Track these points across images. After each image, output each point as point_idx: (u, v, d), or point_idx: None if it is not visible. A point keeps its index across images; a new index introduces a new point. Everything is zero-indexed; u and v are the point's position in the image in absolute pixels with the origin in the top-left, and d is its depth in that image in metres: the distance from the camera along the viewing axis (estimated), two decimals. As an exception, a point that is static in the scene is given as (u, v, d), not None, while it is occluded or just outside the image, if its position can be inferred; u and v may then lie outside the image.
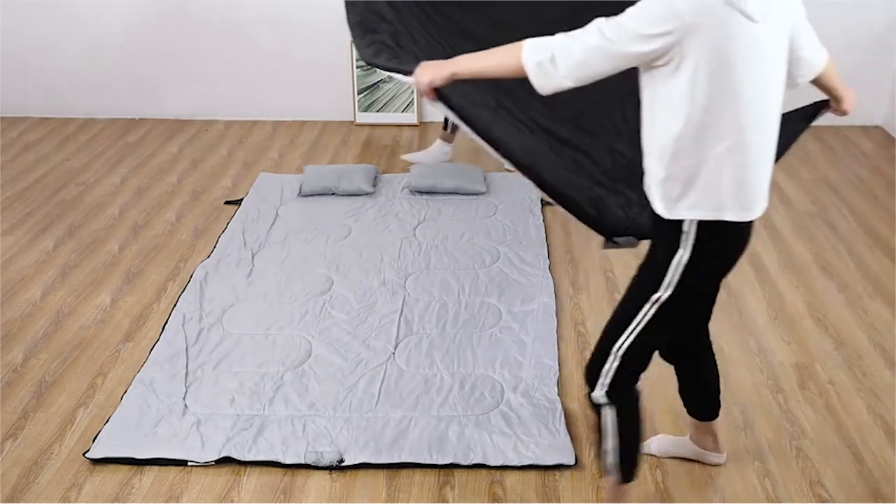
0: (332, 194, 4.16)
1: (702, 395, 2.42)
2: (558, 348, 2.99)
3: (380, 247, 3.67)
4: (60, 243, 3.81)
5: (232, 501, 2.39)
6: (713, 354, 2.38)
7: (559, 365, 2.90)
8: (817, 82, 2.14)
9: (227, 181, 4.46)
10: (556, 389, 2.77)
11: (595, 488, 2.42)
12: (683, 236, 1.89)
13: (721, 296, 3.31)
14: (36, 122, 5.33)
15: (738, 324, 3.18)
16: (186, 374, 2.86)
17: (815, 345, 3.06)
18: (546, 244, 3.69)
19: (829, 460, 2.52)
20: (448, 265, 3.51)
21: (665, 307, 1.96)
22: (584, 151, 2.50)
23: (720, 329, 3.14)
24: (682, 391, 2.43)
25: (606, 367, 2.04)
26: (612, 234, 2.16)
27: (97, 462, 2.51)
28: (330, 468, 2.47)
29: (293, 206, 4.07)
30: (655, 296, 1.95)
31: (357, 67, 5.06)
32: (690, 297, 2.00)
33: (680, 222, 1.88)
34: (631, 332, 2.01)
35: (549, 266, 3.51)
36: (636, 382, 2.11)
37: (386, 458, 2.50)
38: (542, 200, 4.10)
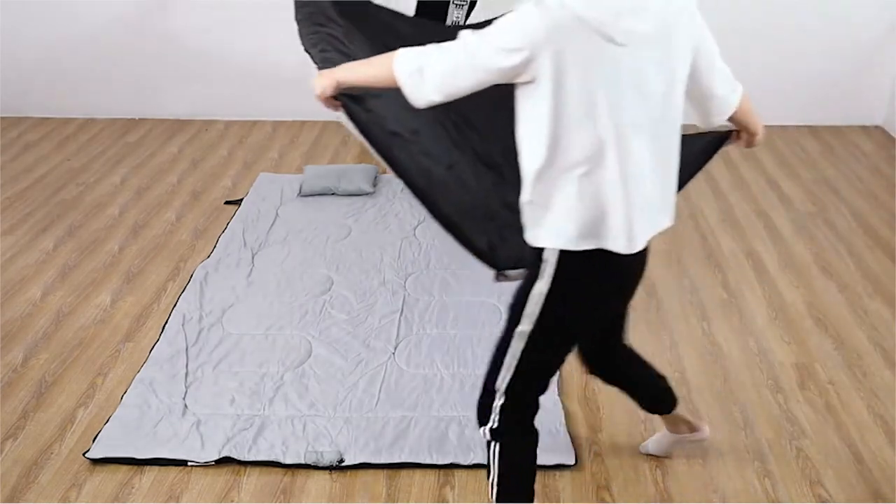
0: (332, 194, 4.16)
1: (646, 395, 2.40)
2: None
3: (380, 247, 3.67)
4: (60, 243, 3.81)
5: (232, 501, 2.39)
6: (638, 358, 2.32)
7: (559, 365, 2.90)
8: (732, 119, 2.03)
9: (227, 181, 4.46)
10: (556, 389, 2.77)
11: (595, 488, 2.42)
12: (543, 265, 1.79)
13: (721, 296, 3.35)
14: (36, 122, 5.33)
15: (738, 324, 3.18)
16: (186, 374, 2.86)
17: (815, 345, 3.06)
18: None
19: (829, 460, 2.52)
20: (448, 265, 3.51)
21: (532, 341, 1.86)
22: (506, 180, 2.47)
23: (720, 329, 3.14)
24: (630, 395, 2.40)
25: (494, 403, 1.95)
26: (503, 268, 2.10)
27: (97, 462, 2.51)
28: (330, 468, 2.47)
29: (293, 206, 4.07)
30: (519, 329, 1.86)
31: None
32: (559, 331, 1.89)
33: (541, 251, 1.79)
34: (508, 368, 1.91)
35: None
36: (530, 419, 2.01)
37: (386, 458, 2.50)
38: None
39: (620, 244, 1.76)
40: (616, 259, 1.78)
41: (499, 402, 1.95)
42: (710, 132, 2.23)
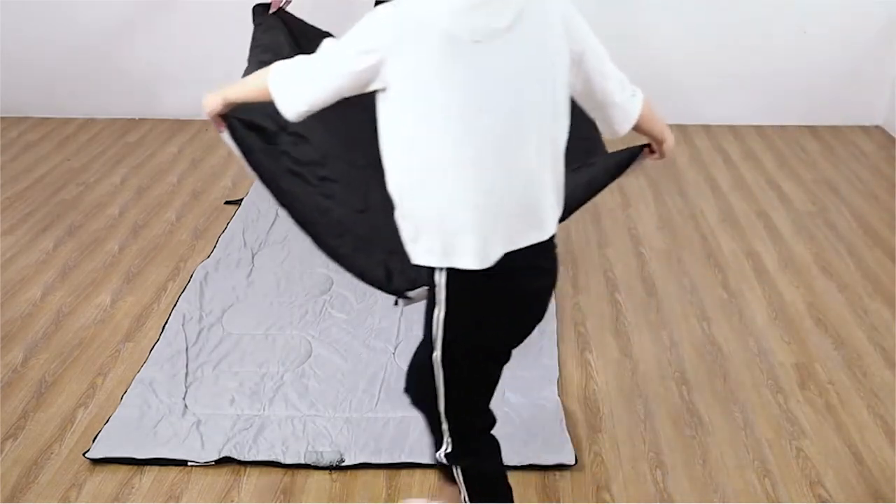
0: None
1: None
2: (558, 348, 2.99)
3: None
4: (60, 243, 3.81)
5: (232, 501, 2.39)
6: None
7: (559, 365, 2.90)
8: (638, 128, 1.93)
9: (227, 181, 4.46)
10: (557, 389, 2.77)
11: (595, 488, 2.42)
12: (437, 289, 1.70)
13: (721, 296, 3.35)
14: (36, 122, 5.33)
15: (738, 324, 3.18)
16: (186, 374, 2.86)
17: (815, 345, 3.06)
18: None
19: (829, 460, 2.52)
20: None
21: (450, 365, 1.79)
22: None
23: (720, 329, 3.14)
24: None
25: (444, 427, 1.90)
26: (402, 291, 2.08)
27: (97, 462, 2.51)
28: (330, 468, 2.47)
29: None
30: (434, 355, 1.79)
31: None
32: (472, 352, 1.81)
33: (432, 273, 1.70)
34: (441, 392, 1.84)
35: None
36: (485, 432, 1.96)
37: (386, 458, 2.50)
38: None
39: (472, 260, 1.65)
40: (506, 274, 1.70)
41: (445, 425, 1.90)
42: (622, 150, 2.22)
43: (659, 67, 5.14)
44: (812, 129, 5.17)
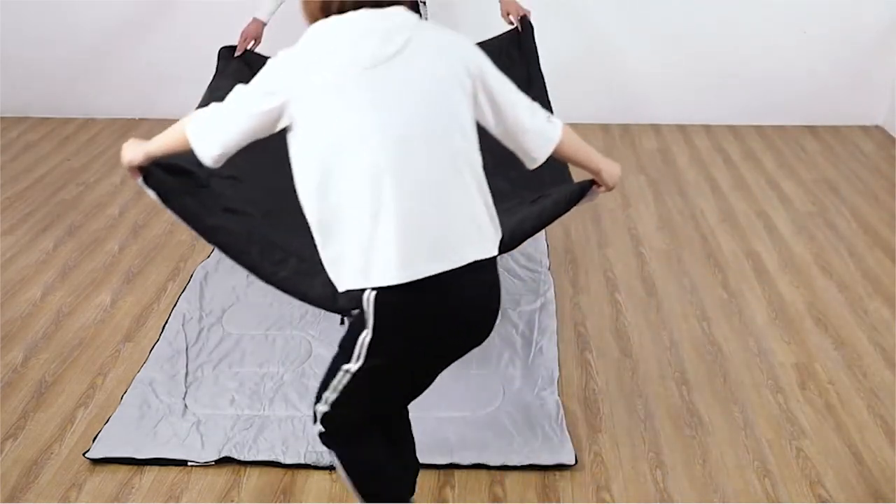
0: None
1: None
2: (558, 348, 2.99)
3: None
4: (60, 243, 3.81)
5: (232, 501, 2.39)
6: (411, 444, 2.18)
7: (559, 365, 2.90)
8: (565, 158, 1.95)
9: (227, 181, 4.46)
10: (557, 389, 2.77)
11: (595, 488, 2.42)
12: (365, 312, 1.71)
13: (721, 296, 3.35)
14: (36, 122, 5.33)
15: (738, 324, 3.18)
16: (186, 374, 2.86)
17: (815, 345, 3.06)
18: (546, 244, 3.69)
19: (829, 460, 2.52)
20: None
21: (355, 381, 1.80)
22: None
23: (720, 329, 3.14)
24: None
25: (319, 407, 1.89)
26: (346, 310, 2.08)
27: (97, 462, 2.51)
28: (330, 468, 2.47)
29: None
30: (345, 366, 1.80)
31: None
32: (383, 380, 1.82)
33: (360, 295, 1.70)
34: (334, 390, 1.84)
35: (549, 266, 3.51)
36: (363, 429, 1.95)
37: (386, 458, 2.49)
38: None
39: (394, 275, 1.66)
40: (434, 295, 1.70)
41: (322, 408, 1.89)
42: (574, 184, 2.21)
43: (659, 68, 5.15)
44: (812, 129, 5.17)
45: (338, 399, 1.86)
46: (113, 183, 4.44)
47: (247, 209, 2.57)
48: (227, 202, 2.51)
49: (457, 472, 2.47)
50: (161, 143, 1.97)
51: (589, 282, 3.47)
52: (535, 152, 1.87)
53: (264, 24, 3.64)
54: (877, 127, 5.21)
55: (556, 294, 3.33)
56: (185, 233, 3.90)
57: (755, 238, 3.83)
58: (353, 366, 1.79)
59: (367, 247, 1.66)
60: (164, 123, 5.47)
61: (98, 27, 5.18)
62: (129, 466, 2.50)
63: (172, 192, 2.22)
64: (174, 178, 2.23)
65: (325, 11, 1.67)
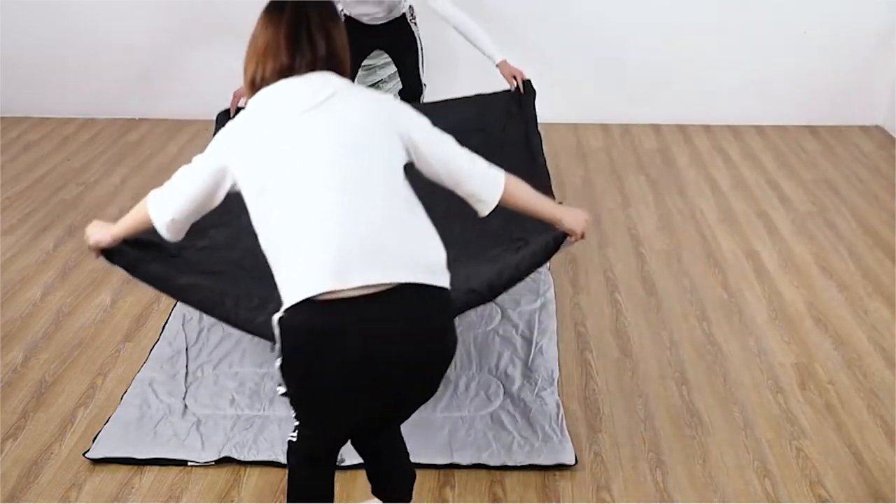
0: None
1: (387, 487, 2.19)
2: (558, 348, 2.99)
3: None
4: (60, 243, 3.81)
5: (232, 501, 2.39)
6: (400, 455, 2.15)
7: (559, 365, 2.90)
8: (516, 208, 1.99)
9: (227, 181, 4.46)
10: (556, 389, 2.77)
11: (595, 488, 2.42)
12: (277, 338, 1.73)
13: (721, 296, 3.35)
14: (36, 122, 5.33)
15: (738, 324, 3.18)
16: (186, 374, 2.86)
17: (815, 345, 3.06)
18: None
19: (829, 460, 2.52)
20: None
21: (294, 405, 1.82)
22: None
23: (720, 329, 3.14)
24: (370, 476, 2.22)
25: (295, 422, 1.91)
26: None
27: (97, 462, 2.51)
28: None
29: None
30: (279, 389, 1.81)
31: (358, 67, 5.05)
32: (307, 408, 1.82)
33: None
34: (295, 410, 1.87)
35: (549, 266, 3.51)
36: (322, 453, 1.96)
37: (386, 458, 2.49)
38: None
39: (318, 285, 1.68)
40: (347, 323, 1.68)
41: (295, 422, 1.91)
42: (547, 236, 2.25)
43: (659, 68, 5.14)
44: (812, 129, 5.17)
45: (297, 416, 1.88)
46: (113, 183, 4.44)
47: (221, 268, 2.64)
48: (200, 267, 2.58)
49: (457, 472, 2.47)
50: (126, 225, 2.09)
51: (589, 282, 3.47)
52: (483, 195, 1.92)
53: None
54: (877, 127, 5.21)
55: (556, 294, 3.33)
56: (185, 233, 3.90)
57: (755, 238, 3.83)
58: (283, 389, 1.80)
59: (300, 264, 1.70)
60: (164, 123, 5.48)
61: (98, 27, 5.18)
62: (129, 466, 2.50)
63: (138, 261, 2.29)
64: (140, 250, 2.31)
65: (253, 87, 1.85)
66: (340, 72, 1.84)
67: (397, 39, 4.09)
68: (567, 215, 2.10)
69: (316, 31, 1.80)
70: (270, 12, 1.86)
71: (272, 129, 1.76)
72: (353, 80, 2.39)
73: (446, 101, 3.68)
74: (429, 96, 4.34)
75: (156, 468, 2.49)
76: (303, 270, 1.69)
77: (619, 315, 3.24)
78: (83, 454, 2.53)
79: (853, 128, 5.18)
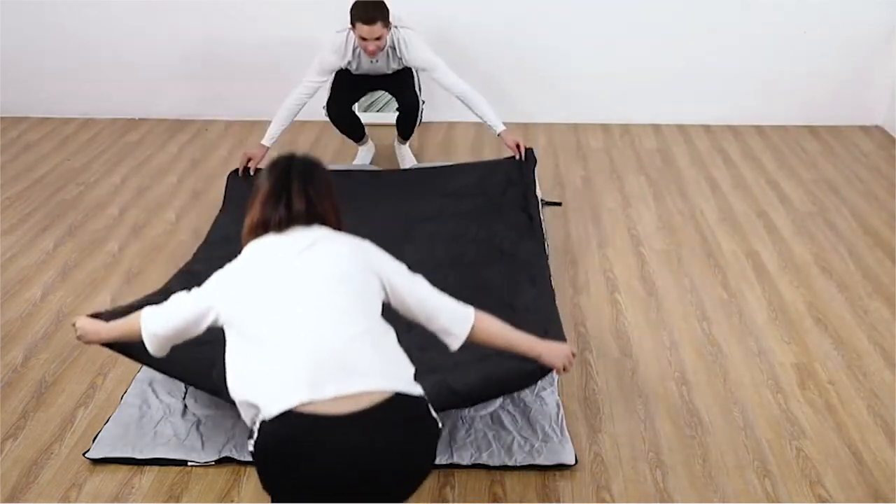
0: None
1: None
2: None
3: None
4: (60, 243, 3.81)
5: (232, 501, 2.39)
6: None
7: (559, 365, 2.90)
8: (490, 343, 2.10)
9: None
10: (557, 389, 2.77)
11: (595, 488, 2.42)
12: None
13: (721, 296, 3.35)
14: (36, 122, 5.33)
15: (738, 324, 3.18)
16: (186, 374, 2.86)
17: (815, 345, 3.06)
18: (546, 244, 3.69)
19: (829, 460, 2.52)
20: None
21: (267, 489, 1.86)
22: None
23: (720, 329, 3.14)
24: None
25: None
26: None
27: (97, 462, 2.51)
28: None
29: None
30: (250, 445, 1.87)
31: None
32: (287, 497, 1.83)
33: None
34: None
35: (548, 251, 3.51)
36: None
37: (386, 458, 2.49)
38: (541, 200, 4.10)
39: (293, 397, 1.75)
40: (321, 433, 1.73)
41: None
42: (526, 364, 2.27)
43: (660, 68, 5.15)
44: (812, 129, 5.17)
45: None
46: (113, 183, 4.44)
47: (208, 337, 2.64)
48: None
49: (457, 472, 2.47)
50: (117, 330, 2.24)
51: (589, 282, 3.47)
52: (454, 329, 2.03)
53: (267, 149, 3.96)
54: (877, 127, 5.21)
55: (556, 294, 3.32)
56: (185, 233, 3.90)
57: (755, 238, 3.83)
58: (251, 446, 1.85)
59: (277, 379, 1.79)
60: (164, 123, 5.48)
61: (98, 27, 5.19)
62: (129, 466, 2.50)
63: (133, 346, 2.34)
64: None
65: (249, 231, 2.01)
66: (323, 223, 2.00)
67: (396, 73, 4.20)
68: (547, 351, 2.20)
69: (295, 195, 1.96)
70: (268, 168, 2.05)
71: (257, 276, 1.92)
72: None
73: (452, 165, 3.98)
74: (427, 114, 4.38)
75: (156, 468, 2.49)
76: (279, 383, 1.77)
77: (619, 315, 3.24)
78: (83, 454, 2.53)
79: (853, 128, 5.18)
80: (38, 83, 5.37)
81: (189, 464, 2.50)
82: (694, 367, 2.93)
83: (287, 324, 1.83)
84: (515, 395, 2.73)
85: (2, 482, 2.45)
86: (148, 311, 2.10)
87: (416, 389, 1.84)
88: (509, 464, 2.48)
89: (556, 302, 3.23)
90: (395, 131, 4.53)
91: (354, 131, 4.49)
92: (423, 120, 4.50)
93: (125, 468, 2.49)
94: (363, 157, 4.58)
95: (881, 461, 2.52)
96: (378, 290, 1.97)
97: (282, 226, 1.96)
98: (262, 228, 1.98)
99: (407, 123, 4.40)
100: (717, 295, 3.37)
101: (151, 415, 2.67)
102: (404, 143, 4.57)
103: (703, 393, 2.81)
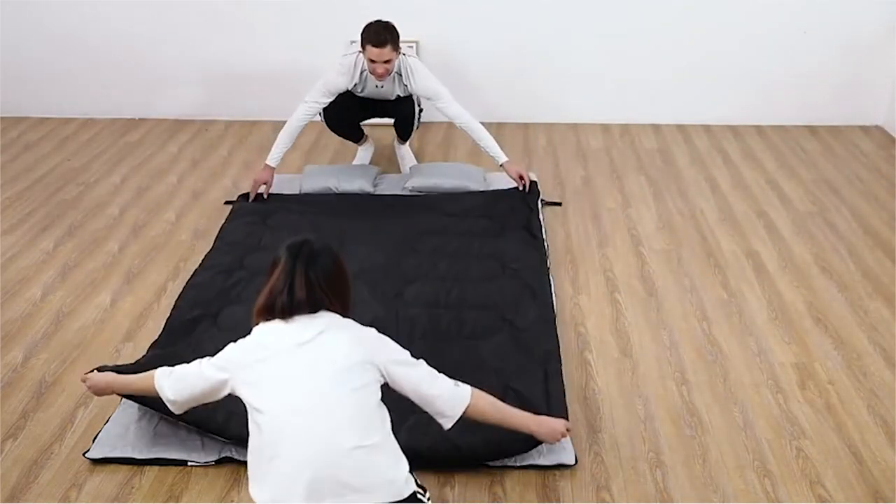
0: (332, 194, 4.15)
1: None
2: (558, 349, 2.98)
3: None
4: (60, 243, 3.81)
5: (232, 501, 2.39)
6: None
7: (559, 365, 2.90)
8: (485, 419, 2.20)
9: (227, 181, 4.46)
10: (556, 389, 2.77)
11: (595, 488, 2.42)
12: None
13: (721, 296, 3.35)
14: (36, 122, 5.33)
15: (738, 324, 3.18)
16: (186, 374, 2.86)
17: (815, 345, 3.06)
18: (546, 244, 3.69)
19: (829, 460, 2.52)
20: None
21: None
22: None
23: (720, 329, 3.14)
24: None
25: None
26: None
27: (97, 462, 2.51)
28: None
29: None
30: None
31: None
32: None
33: None
34: None
35: (549, 266, 3.51)
36: None
37: (386, 458, 2.49)
38: (542, 200, 4.10)
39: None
40: None
41: None
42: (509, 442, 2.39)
43: (659, 68, 5.15)
44: (812, 129, 5.17)
45: None
46: (113, 183, 4.44)
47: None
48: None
49: (457, 472, 2.47)
50: (129, 386, 2.33)
51: (589, 282, 3.47)
52: (449, 412, 2.12)
53: (274, 169, 4.03)
54: (877, 127, 5.21)
55: (556, 294, 3.32)
56: (185, 233, 3.90)
57: (755, 238, 3.83)
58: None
59: (278, 485, 1.91)
60: (164, 123, 5.49)
61: (98, 27, 5.19)
62: (129, 466, 2.49)
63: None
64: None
65: (261, 312, 2.07)
66: (327, 309, 2.06)
67: (397, 100, 4.23)
68: (538, 428, 2.29)
69: (298, 282, 2.01)
70: (281, 250, 2.09)
71: (272, 355, 2.00)
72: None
73: (456, 193, 4.08)
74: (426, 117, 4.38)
75: (156, 468, 2.49)
76: (279, 488, 1.90)
77: (619, 315, 3.24)
78: (83, 454, 2.53)
79: (853, 128, 5.18)
80: (38, 83, 5.37)
81: (189, 464, 2.50)
82: (694, 367, 2.93)
83: (286, 423, 1.92)
84: (515, 395, 2.73)
85: (2, 482, 2.45)
86: (162, 375, 2.17)
87: (408, 489, 1.97)
88: (509, 464, 2.48)
89: (556, 307, 3.25)
90: (394, 132, 4.53)
91: (353, 136, 4.51)
92: (423, 120, 4.50)
93: (125, 468, 2.49)
94: (363, 156, 4.58)
95: (881, 461, 2.52)
96: (376, 379, 2.04)
97: (285, 313, 2.02)
98: (269, 314, 2.04)
99: (404, 128, 4.42)
100: (717, 295, 3.37)
101: (151, 415, 2.67)
102: (404, 144, 4.57)
103: (703, 393, 2.81)
